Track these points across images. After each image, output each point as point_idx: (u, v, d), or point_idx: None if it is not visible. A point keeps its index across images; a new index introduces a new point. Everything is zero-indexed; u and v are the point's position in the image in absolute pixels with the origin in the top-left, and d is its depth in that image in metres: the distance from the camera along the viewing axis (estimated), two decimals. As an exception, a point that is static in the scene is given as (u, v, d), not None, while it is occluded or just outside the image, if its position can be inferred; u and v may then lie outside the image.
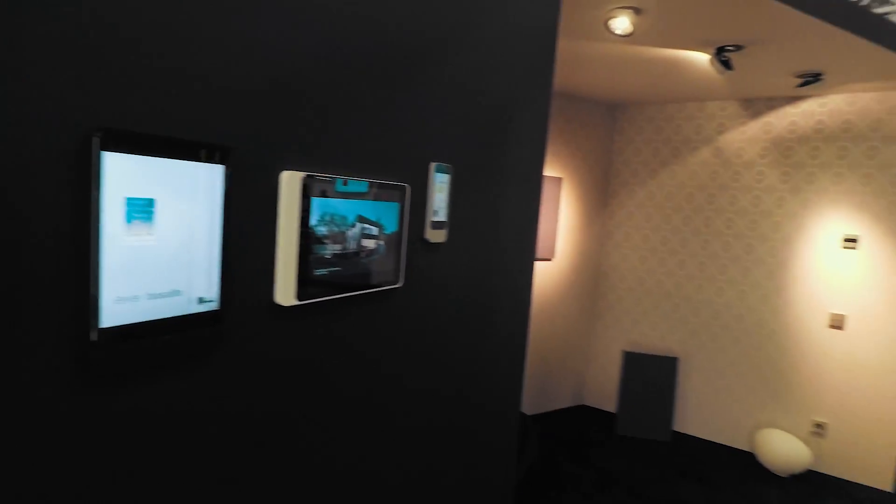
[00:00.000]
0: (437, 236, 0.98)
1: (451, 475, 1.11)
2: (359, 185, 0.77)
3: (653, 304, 3.98)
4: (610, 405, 4.15)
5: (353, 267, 0.77)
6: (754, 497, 3.08)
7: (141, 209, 0.50)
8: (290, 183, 0.67)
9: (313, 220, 0.69)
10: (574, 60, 2.90)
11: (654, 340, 3.98)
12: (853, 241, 3.23)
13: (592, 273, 4.20)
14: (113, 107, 0.50)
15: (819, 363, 3.39)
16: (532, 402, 4.05)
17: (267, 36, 0.64)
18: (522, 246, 1.26)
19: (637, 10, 2.07)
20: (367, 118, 0.80)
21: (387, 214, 0.83)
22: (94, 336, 0.48)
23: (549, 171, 3.86)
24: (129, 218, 0.49)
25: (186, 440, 0.60)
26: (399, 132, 0.87)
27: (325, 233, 0.71)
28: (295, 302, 0.69)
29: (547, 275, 3.95)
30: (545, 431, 3.79)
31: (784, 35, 2.24)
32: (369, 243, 0.80)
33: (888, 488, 3.21)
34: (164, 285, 0.53)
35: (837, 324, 3.32)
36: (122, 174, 0.48)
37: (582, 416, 4.11)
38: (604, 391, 4.21)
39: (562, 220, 3.96)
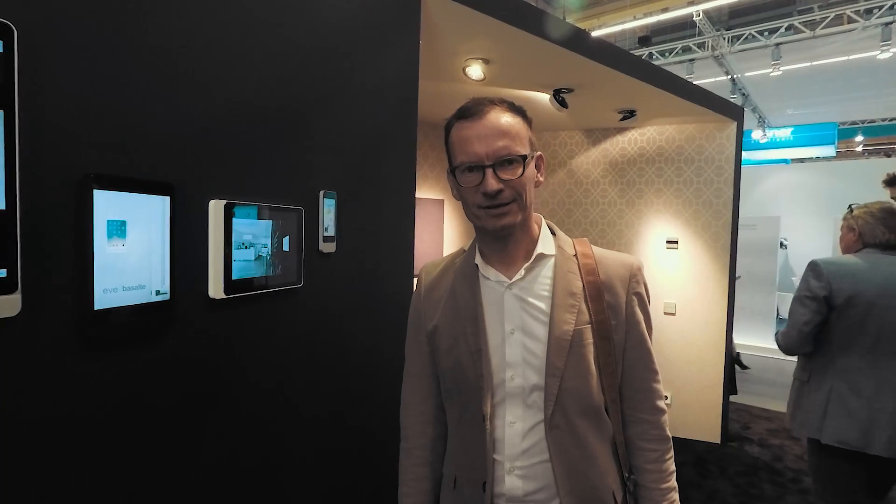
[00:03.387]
0: (328, 248, 1.25)
1: (354, 451, 1.37)
2: (268, 208, 1.03)
3: (529, 308, 4.50)
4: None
5: (266, 270, 1.03)
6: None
7: (117, 228, 0.73)
8: (216, 208, 0.92)
9: (234, 235, 0.94)
10: (448, 99, 3.34)
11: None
12: (675, 242, 4.01)
13: (477, 284, 4.65)
14: (99, 158, 0.73)
15: (660, 345, 4.11)
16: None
17: (195, 100, 0.89)
18: (401, 255, 1.57)
19: (486, 61, 2.53)
20: (273, 159, 1.07)
21: (290, 230, 1.09)
22: (89, 315, 0.69)
23: (432, 193, 4.27)
24: (110, 234, 0.72)
25: (151, 394, 0.82)
26: (298, 168, 1.15)
27: (244, 244, 0.96)
28: (223, 296, 0.93)
29: (436, 289, 4.31)
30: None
31: (600, 82, 2.86)
32: (278, 252, 1.05)
33: (717, 441, 3.97)
34: (133, 281, 0.75)
35: (671, 311, 4.07)
36: (105, 204, 0.71)
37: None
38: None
39: (446, 238, 4.37)
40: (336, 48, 1.26)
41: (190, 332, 0.89)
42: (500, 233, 0.89)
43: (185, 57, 0.88)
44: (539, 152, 0.93)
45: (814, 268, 1.91)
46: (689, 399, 4.06)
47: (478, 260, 0.95)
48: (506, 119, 0.87)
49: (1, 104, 0.60)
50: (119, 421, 0.79)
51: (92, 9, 0.74)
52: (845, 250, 2.02)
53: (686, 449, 3.87)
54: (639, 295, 0.95)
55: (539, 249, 0.93)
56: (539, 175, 0.93)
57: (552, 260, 0.94)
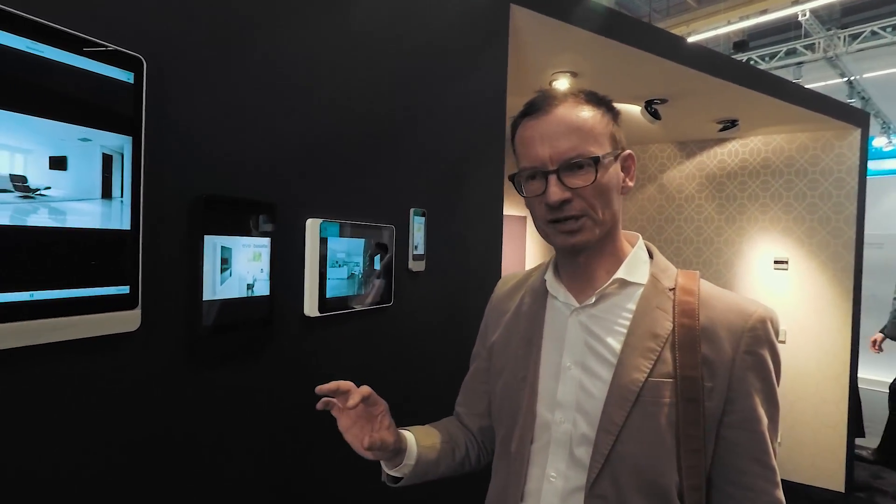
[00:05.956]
0: (417, 266, 1.24)
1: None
2: (360, 226, 1.03)
3: (617, 330, 4.27)
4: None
5: (358, 289, 1.03)
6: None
7: (226, 246, 0.75)
8: (312, 226, 0.94)
9: (329, 254, 0.95)
10: (528, 114, 3.29)
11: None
12: (784, 262, 3.63)
13: (560, 304, 4.50)
14: (210, 180, 0.76)
15: (767, 375, 3.71)
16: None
17: (293, 124, 0.92)
18: (489, 273, 1.53)
19: (574, 74, 2.46)
20: (364, 178, 1.08)
21: (380, 248, 1.09)
22: (199, 331, 0.72)
23: (514, 210, 4.21)
24: (219, 252, 0.74)
25: (251, 407, 0.84)
26: (388, 186, 1.15)
27: (338, 263, 0.97)
28: (317, 314, 0.94)
29: (517, 308, 4.22)
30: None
31: (699, 91, 2.67)
32: (370, 271, 1.06)
33: (841, 489, 3.49)
34: (238, 298, 0.77)
35: (780, 338, 3.67)
36: (215, 224, 0.74)
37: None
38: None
39: (528, 255, 4.28)
40: (426, 67, 1.26)
41: (286, 349, 0.91)
42: (571, 251, 0.76)
43: (284, 85, 0.91)
44: (628, 150, 0.76)
45: None
46: (804, 438, 3.62)
47: (548, 276, 0.82)
48: (578, 113, 0.71)
49: (130, 132, 0.64)
50: (222, 432, 0.81)
51: (204, 42, 0.78)
52: None
53: (802, 496, 3.44)
54: (756, 356, 0.70)
55: (621, 274, 0.75)
56: (628, 179, 0.77)
57: (640, 290, 0.75)
